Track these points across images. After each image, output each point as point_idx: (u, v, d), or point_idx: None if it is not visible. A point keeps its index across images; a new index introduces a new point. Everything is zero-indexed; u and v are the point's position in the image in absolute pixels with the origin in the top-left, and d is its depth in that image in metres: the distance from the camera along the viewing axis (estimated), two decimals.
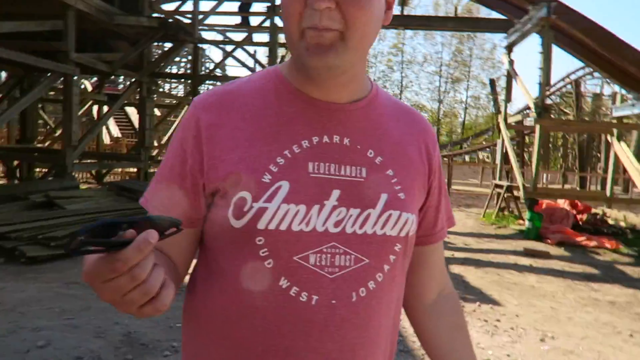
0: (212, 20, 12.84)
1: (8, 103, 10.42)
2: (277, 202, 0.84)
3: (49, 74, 8.16)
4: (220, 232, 0.88)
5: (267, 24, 12.08)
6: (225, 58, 13.21)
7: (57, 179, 8.67)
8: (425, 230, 1.03)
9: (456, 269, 6.67)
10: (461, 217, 11.79)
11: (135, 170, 11.69)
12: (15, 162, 11.27)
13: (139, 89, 10.74)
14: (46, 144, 14.01)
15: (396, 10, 13.16)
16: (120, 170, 14.66)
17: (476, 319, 4.68)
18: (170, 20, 9.97)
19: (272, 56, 11.84)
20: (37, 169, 11.75)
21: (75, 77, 8.05)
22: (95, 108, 14.79)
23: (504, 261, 7.35)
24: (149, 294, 0.63)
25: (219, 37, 14.27)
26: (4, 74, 13.30)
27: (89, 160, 12.29)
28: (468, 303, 5.15)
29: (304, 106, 0.92)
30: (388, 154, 0.95)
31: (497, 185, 12.58)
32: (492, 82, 17.31)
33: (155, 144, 14.37)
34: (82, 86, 14.40)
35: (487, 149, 29.05)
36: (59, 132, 13.45)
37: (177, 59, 22.21)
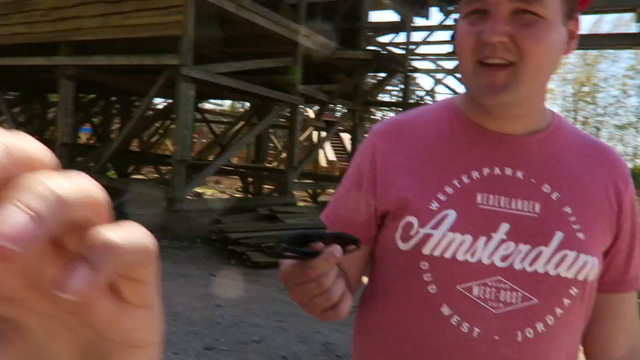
0: (423, 49, 13.05)
1: (248, 128, 12.27)
2: (443, 230, 0.85)
3: (279, 104, 9.37)
4: (387, 253, 0.92)
5: None
6: (435, 85, 13.36)
7: (280, 195, 9.85)
8: (614, 276, 0.93)
9: None
10: None
11: None
12: (249, 179, 13.11)
13: (352, 117, 11.57)
14: (274, 164, 15.98)
15: (634, 27, 11.43)
16: (332, 190, 15.86)
17: None
18: (384, 52, 10.53)
19: None
20: (265, 186, 13.46)
21: (301, 106, 9.11)
22: (315, 134, 16.35)
23: None
24: (331, 301, 0.72)
25: (430, 65, 14.50)
26: (247, 104, 15.70)
27: (306, 181, 13.65)
28: None
29: (477, 137, 0.91)
30: (567, 190, 0.89)
31: None
32: None
33: None
34: (306, 114, 16.11)
35: None
36: (284, 154, 15.23)
37: (389, 87, 23.25)
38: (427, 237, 0.85)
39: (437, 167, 0.90)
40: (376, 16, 11.63)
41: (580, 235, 0.86)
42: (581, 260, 0.84)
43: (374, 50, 10.87)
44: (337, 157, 22.25)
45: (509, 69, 0.81)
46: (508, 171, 0.89)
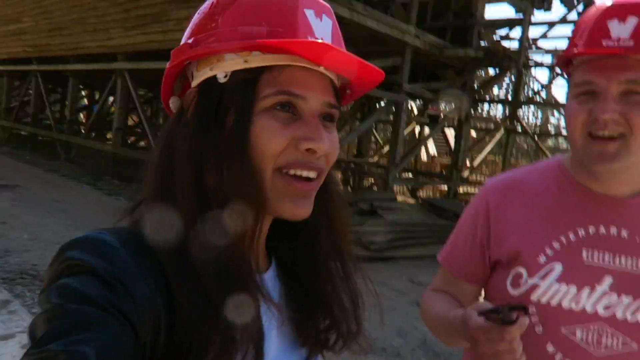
0: (541, 42, 12.40)
1: (352, 126, 12.56)
2: (550, 281, 0.94)
3: (384, 102, 9.51)
4: (498, 294, 1.04)
5: None
6: (552, 81, 12.69)
7: (380, 190, 10.05)
8: None
9: None
10: None
11: (445, 188, 12.39)
12: (350, 173, 13.42)
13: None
14: (374, 158, 16.13)
15: None
16: (432, 186, 15.71)
17: None
18: (497, 49, 10.23)
19: None
20: (366, 180, 13.69)
21: (408, 106, 9.20)
22: (417, 128, 16.23)
23: None
24: (516, 358, 0.79)
25: (548, 59, 13.75)
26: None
27: (407, 176, 13.66)
28: None
29: (583, 197, 0.99)
30: None
31: None
32: None
33: (467, 164, 14.83)
34: (410, 108, 16.04)
35: None
36: (385, 149, 15.33)
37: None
38: (535, 286, 0.96)
39: (546, 223, 0.99)
40: (492, 10, 11.17)
41: None
42: None
43: (487, 47, 10.58)
44: (438, 152, 21.86)
45: (619, 140, 0.90)
46: (613, 230, 0.96)
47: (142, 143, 15.27)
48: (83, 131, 14.44)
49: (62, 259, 0.55)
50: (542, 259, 0.98)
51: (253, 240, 0.63)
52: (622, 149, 0.90)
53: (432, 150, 21.60)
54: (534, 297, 0.96)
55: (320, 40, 0.61)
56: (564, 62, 1.03)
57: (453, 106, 9.10)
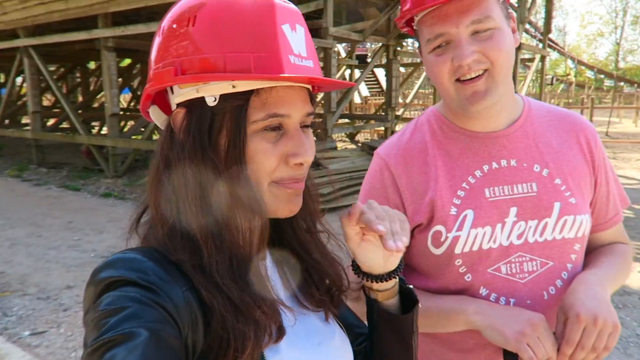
0: None
1: None
2: (467, 228, 1.01)
3: None
4: (422, 258, 1.08)
5: None
6: None
7: (320, 141, 10.03)
8: (598, 219, 1.13)
9: None
10: None
11: (382, 129, 12.57)
12: None
13: (386, 51, 11.39)
14: None
15: None
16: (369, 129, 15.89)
17: None
18: None
19: None
20: None
21: (335, 49, 9.05)
22: (347, 72, 16.17)
23: None
24: None
25: None
26: None
27: (343, 121, 13.70)
28: None
29: (469, 141, 1.06)
30: (553, 165, 1.05)
31: None
32: None
33: (400, 101, 15.05)
34: (337, 50, 15.88)
35: None
36: (319, 96, 15.22)
37: None
38: (456, 238, 1.01)
39: (447, 175, 1.04)
40: None
41: (573, 200, 1.04)
42: (578, 220, 1.04)
43: None
44: (370, 92, 22.03)
45: (484, 76, 0.96)
46: (503, 162, 1.04)
47: (64, 124, 14.27)
48: None
49: (98, 281, 0.61)
50: (453, 210, 1.03)
51: (260, 242, 0.73)
52: (490, 83, 0.97)
53: (365, 91, 21.73)
54: (457, 249, 1.01)
55: (297, 54, 0.67)
56: (406, 21, 1.06)
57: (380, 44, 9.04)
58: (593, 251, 1.14)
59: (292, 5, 0.70)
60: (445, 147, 1.08)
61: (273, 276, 0.75)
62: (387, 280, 0.79)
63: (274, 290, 0.71)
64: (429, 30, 0.98)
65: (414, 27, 1.06)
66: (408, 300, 0.83)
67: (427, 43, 1.00)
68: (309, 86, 0.71)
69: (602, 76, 35.89)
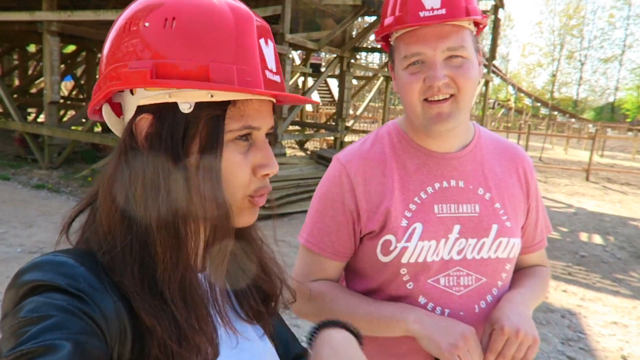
0: None
1: None
2: (415, 240, 1.07)
3: None
4: (369, 264, 1.14)
5: None
6: None
7: (270, 147, 9.99)
8: (527, 243, 1.25)
9: None
10: None
11: (332, 139, 12.70)
12: None
13: (340, 63, 11.55)
14: None
15: None
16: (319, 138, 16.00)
17: None
18: None
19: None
20: None
21: (290, 56, 9.07)
22: (301, 79, 16.24)
23: None
24: None
25: None
26: None
27: (294, 128, 13.73)
28: None
29: (425, 158, 1.14)
30: (494, 190, 1.14)
31: None
32: None
33: (351, 112, 15.28)
34: (292, 56, 15.91)
35: None
36: None
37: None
38: (404, 249, 1.08)
39: (402, 188, 1.11)
40: None
41: (508, 224, 1.15)
42: (511, 243, 1.14)
43: None
44: (322, 101, 22.20)
45: (450, 100, 1.04)
46: (453, 182, 1.13)
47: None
48: None
49: (21, 283, 0.56)
50: (404, 222, 1.09)
51: (205, 251, 0.71)
52: (454, 108, 1.05)
53: (317, 100, 21.81)
54: (404, 259, 1.08)
55: (270, 70, 0.68)
56: (382, 36, 1.13)
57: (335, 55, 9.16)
58: (518, 272, 1.25)
59: (262, 20, 0.70)
60: (403, 161, 1.14)
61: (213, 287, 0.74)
62: None
63: (208, 304, 0.69)
64: (407, 48, 1.05)
65: (391, 43, 1.12)
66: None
67: (402, 59, 1.06)
68: (274, 100, 0.72)
69: (539, 104, 37.98)
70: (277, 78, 0.69)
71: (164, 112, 0.63)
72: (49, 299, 0.53)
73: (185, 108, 0.63)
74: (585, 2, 49.55)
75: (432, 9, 1.01)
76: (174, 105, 0.63)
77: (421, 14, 1.02)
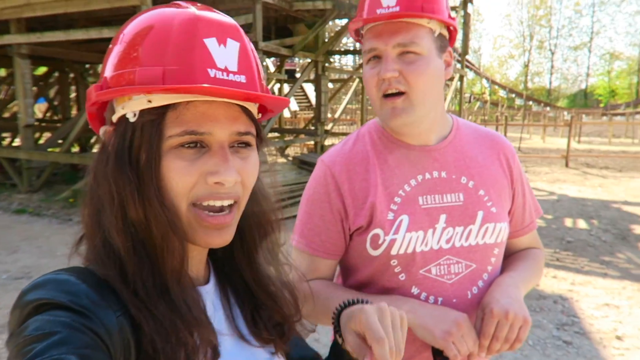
0: None
1: None
2: (403, 232, 1.11)
3: None
4: (360, 259, 1.16)
5: None
6: None
7: None
8: (516, 226, 1.27)
9: None
10: None
11: (312, 143, 12.69)
12: None
13: (315, 67, 11.57)
14: None
15: None
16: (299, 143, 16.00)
17: None
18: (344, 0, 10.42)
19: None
20: None
21: (264, 64, 9.05)
22: (277, 86, 16.23)
23: None
24: None
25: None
26: None
27: (273, 135, 13.70)
28: None
29: (406, 152, 1.17)
30: (477, 178, 1.18)
31: None
32: None
33: (330, 115, 15.31)
34: (265, 64, 15.89)
35: None
36: None
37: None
38: (393, 241, 1.10)
39: (385, 183, 1.13)
40: None
41: (494, 210, 1.17)
42: (497, 228, 1.17)
43: None
44: (299, 107, 22.23)
45: (403, 96, 1.07)
46: (435, 174, 1.15)
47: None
48: None
49: (25, 303, 0.57)
50: (390, 215, 1.12)
51: (182, 263, 0.68)
52: (407, 105, 1.08)
53: (294, 106, 21.88)
54: (393, 251, 1.11)
55: (222, 69, 0.64)
56: (355, 32, 1.17)
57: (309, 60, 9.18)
58: (511, 255, 1.28)
59: (226, 19, 0.68)
60: (384, 157, 1.16)
61: (216, 305, 0.74)
62: None
63: (212, 318, 0.69)
64: (366, 43, 1.11)
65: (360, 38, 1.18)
66: None
67: (364, 54, 1.12)
68: (242, 103, 0.67)
69: (513, 95, 38.60)
70: (239, 78, 0.65)
71: (119, 123, 0.66)
72: (53, 316, 0.55)
73: (131, 117, 0.64)
74: None
75: (388, 7, 1.07)
76: (126, 116, 0.65)
77: (378, 11, 1.07)
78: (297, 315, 0.81)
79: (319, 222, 1.16)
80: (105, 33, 6.94)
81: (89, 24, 8.40)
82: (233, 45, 0.66)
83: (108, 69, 0.66)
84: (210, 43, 0.64)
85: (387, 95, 1.08)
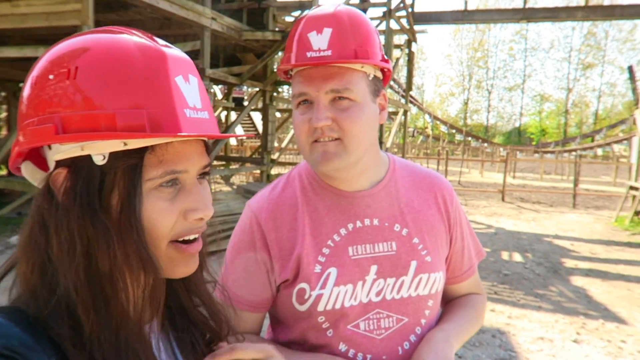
0: None
1: None
2: (330, 287, 1.03)
3: None
4: (286, 313, 1.09)
5: (382, 27, 12.29)
6: None
7: None
8: (454, 272, 1.21)
9: (579, 281, 6.35)
10: (589, 222, 11.00)
11: (258, 172, 12.59)
12: None
13: (263, 96, 11.57)
14: None
15: (519, 2, 12.45)
16: (244, 173, 15.83)
17: (598, 339, 4.51)
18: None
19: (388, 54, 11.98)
20: None
21: (212, 90, 8.96)
22: (223, 114, 16.08)
23: (636, 274, 6.82)
24: None
25: None
26: None
27: (219, 163, 13.49)
28: (590, 320, 4.95)
29: (337, 198, 1.09)
30: (412, 224, 1.10)
31: (632, 188, 11.52)
32: (631, 69, 15.80)
33: (276, 144, 15.29)
34: (213, 91, 15.73)
35: (625, 142, 26.35)
36: None
37: None
38: (319, 296, 1.03)
39: (313, 233, 1.06)
40: None
41: (428, 259, 1.11)
42: (432, 278, 1.10)
43: (283, 30, 10.86)
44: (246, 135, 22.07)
45: (336, 141, 1.00)
46: (367, 221, 1.08)
47: None
48: None
49: None
50: (317, 268, 1.04)
51: (154, 307, 0.69)
52: (340, 149, 1.00)
53: (241, 133, 21.69)
54: (320, 307, 1.04)
55: (192, 107, 0.63)
56: (284, 72, 1.10)
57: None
58: (449, 303, 1.22)
59: (183, 55, 0.67)
60: (314, 204, 1.09)
61: (161, 342, 0.73)
62: None
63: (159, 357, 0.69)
64: (296, 87, 1.03)
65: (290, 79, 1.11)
66: None
67: (293, 98, 1.05)
68: (205, 138, 0.68)
69: (454, 131, 40.23)
70: (203, 115, 0.65)
71: (78, 165, 0.60)
72: None
73: (99, 160, 0.60)
74: (487, 36, 53.80)
75: (319, 50, 0.99)
76: (88, 157, 0.60)
77: (308, 54, 1.00)
78: (224, 335, 0.81)
79: (243, 274, 1.08)
80: (41, 52, 6.49)
81: (25, 42, 8.00)
82: (194, 81, 0.66)
83: (57, 106, 0.59)
84: (180, 81, 0.63)
85: (318, 141, 1.01)
